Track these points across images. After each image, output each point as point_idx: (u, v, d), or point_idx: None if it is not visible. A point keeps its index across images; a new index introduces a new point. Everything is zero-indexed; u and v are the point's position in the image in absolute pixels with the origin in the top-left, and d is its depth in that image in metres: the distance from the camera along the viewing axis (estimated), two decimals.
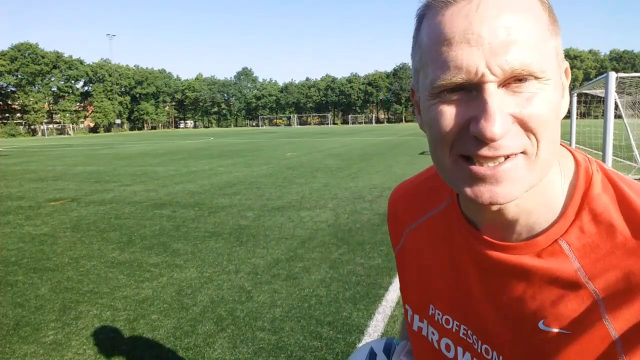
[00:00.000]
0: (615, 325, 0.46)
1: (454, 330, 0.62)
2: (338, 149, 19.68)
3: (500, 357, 0.55)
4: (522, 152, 0.46)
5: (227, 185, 9.63)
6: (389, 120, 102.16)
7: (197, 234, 5.58)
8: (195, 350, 2.85)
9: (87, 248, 5.16)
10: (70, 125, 77.55)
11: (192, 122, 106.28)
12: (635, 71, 71.99)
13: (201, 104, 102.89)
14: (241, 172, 11.89)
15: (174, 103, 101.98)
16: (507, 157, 0.46)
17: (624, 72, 12.01)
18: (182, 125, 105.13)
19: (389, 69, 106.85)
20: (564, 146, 0.56)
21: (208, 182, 10.20)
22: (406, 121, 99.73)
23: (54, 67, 76.24)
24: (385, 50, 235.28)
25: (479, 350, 0.59)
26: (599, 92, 11.37)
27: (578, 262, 0.49)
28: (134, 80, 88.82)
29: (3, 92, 73.09)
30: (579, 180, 0.52)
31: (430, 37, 0.47)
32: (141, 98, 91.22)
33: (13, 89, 73.61)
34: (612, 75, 6.10)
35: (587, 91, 12.81)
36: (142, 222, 6.32)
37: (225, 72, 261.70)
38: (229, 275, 4.12)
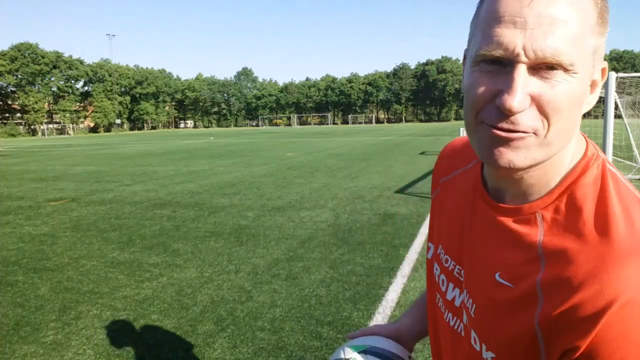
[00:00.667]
0: (544, 295, 0.53)
1: (449, 268, 0.73)
2: (338, 149, 19.69)
3: (470, 300, 0.65)
4: (533, 133, 0.52)
5: (227, 185, 9.63)
6: (389, 120, 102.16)
7: (197, 234, 5.59)
8: (195, 350, 2.85)
9: (87, 248, 5.16)
10: (70, 125, 77.52)
11: (192, 122, 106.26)
12: (635, 71, 71.99)
13: (201, 104, 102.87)
14: (241, 172, 11.89)
15: (174, 103, 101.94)
16: (520, 133, 0.52)
17: (624, 72, 12.02)
18: (182, 125, 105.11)
19: (389, 69, 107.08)
20: (583, 136, 0.62)
21: (208, 182, 10.20)
22: (406, 121, 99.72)
23: (54, 67, 76.19)
24: (385, 50, 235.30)
25: (463, 290, 0.68)
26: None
27: (543, 235, 0.56)
28: (134, 80, 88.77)
29: (3, 92, 73.06)
30: (577, 168, 0.58)
31: (486, 12, 0.53)
32: (141, 98, 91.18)
33: (13, 89, 73.56)
34: (612, 76, 6.11)
35: None
36: (142, 222, 6.32)
37: (225, 72, 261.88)
38: (229, 275, 4.13)
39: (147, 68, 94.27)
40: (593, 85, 0.55)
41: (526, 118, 0.51)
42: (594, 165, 0.58)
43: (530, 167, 0.55)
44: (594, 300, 0.48)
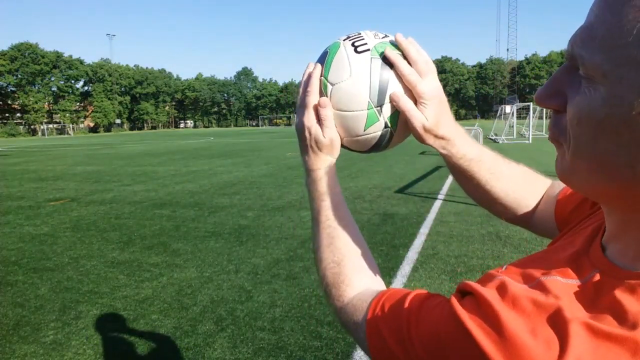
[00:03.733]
0: None
1: None
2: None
3: None
4: (559, 143, 0.45)
5: (227, 185, 9.63)
6: None
7: (197, 234, 5.59)
8: (195, 350, 2.85)
9: (87, 248, 5.16)
10: (70, 125, 77.53)
11: (192, 122, 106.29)
12: None
13: (201, 103, 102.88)
14: (241, 172, 11.89)
15: (174, 103, 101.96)
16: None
17: None
18: (182, 125, 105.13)
19: None
20: None
21: (208, 182, 10.20)
22: None
23: (54, 67, 76.23)
24: None
25: None
26: None
27: (579, 291, 0.44)
28: (134, 80, 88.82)
29: (3, 92, 73.08)
30: None
31: None
32: (141, 98, 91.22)
33: (13, 89, 73.60)
34: None
35: None
36: (142, 222, 6.32)
37: (225, 72, 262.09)
38: (229, 275, 4.13)
39: (147, 68, 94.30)
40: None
41: (554, 122, 0.45)
42: None
43: (597, 197, 0.45)
44: None
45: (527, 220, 0.84)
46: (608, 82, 0.38)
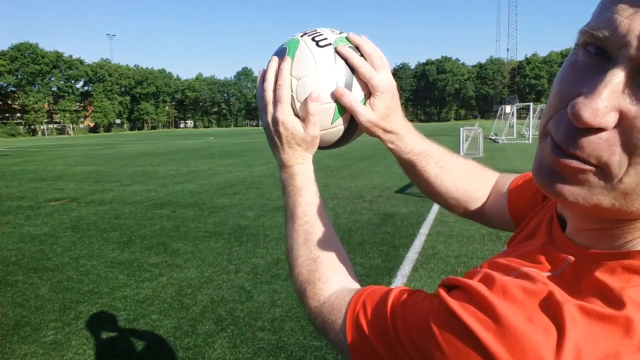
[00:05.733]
0: None
1: None
2: (338, 149, 19.65)
3: None
4: (599, 167, 0.38)
5: (227, 185, 9.63)
6: None
7: (197, 234, 5.58)
8: (195, 350, 2.85)
9: (87, 248, 5.16)
10: (70, 125, 77.54)
11: (192, 122, 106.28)
12: None
13: (201, 104, 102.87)
14: (241, 172, 11.89)
15: (174, 103, 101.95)
16: (579, 162, 0.39)
17: None
18: (182, 125, 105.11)
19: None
20: None
21: (208, 182, 10.20)
22: None
23: (54, 67, 76.22)
24: (385, 50, 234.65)
25: None
26: None
27: (553, 276, 0.45)
28: (134, 80, 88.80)
29: (3, 92, 73.07)
30: None
31: None
32: (141, 98, 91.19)
33: (13, 89, 73.60)
34: None
35: None
36: (142, 222, 6.32)
37: (225, 72, 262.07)
38: (229, 275, 4.12)
39: (147, 68, 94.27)
40: None
41: (597, 144, 0.37)
42: None
43: (589, 209, 0.41)
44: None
45: (479, 214, 0.85)
46: None
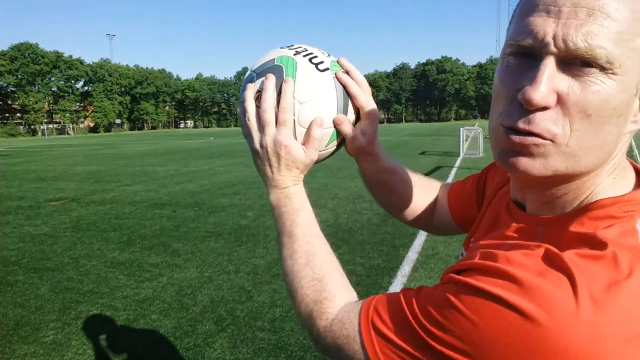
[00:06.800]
0: None
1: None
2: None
3: None
4: (551, 140, 0.47)
5: (227, 185, 9.63)
6: (388, 120, 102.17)
7: (197, 234, 5.59)
8: (195, 350, 2.85)
9: (87, 248, 5.16)
10: (70, 125, 77.55)
11: (192, 122, 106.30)
12: None
13: (201, 104, 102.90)
14: (241, 172, 11.89)
15: (174, 103, 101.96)
16: (537, 136, 0.47)
17: None
18: (182, 125, 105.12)
19: (389, 69, 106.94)
20: (632, 164, 0.56)
21: (208, 182, 10.20)
22: (406, 121, 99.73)
23: (54, 67, 76.22)
24: (385, 50, 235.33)
25: None
26: None
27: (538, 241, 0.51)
28: (134, 80, 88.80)
29: (3, 92, 73.08)
30: (607, 208, 0.50)
31: (522, 5, 0.50)
32: (141, 98, 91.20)
33: (13, 89, 73.59)
34: None
35: None
36: (142, 222, 6.32)
37: (225, 72, 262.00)
38: (229, 275, 4.13)
39: (147, 68, 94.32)
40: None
41: (545, 120, 0.46)
42: (624, 207, 0.49)
43: (550, 178, 0.49)
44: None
45: (429, 223, 0.95)
46: (623, 73, 0.44)
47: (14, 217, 7.01)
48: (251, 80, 0.72)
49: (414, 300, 0.50)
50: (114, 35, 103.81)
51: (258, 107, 0.69)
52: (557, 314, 0.40)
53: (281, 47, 0.76)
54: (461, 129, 15.30)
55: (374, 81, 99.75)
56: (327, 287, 0.63)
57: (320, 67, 0.71)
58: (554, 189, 0.53)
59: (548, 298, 0.41)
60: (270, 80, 0.68)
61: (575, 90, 0.45)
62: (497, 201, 0.70)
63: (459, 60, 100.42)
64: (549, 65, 0.45)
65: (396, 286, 3.74)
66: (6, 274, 4.40)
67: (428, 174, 10.58)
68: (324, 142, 0.72)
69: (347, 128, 0.73)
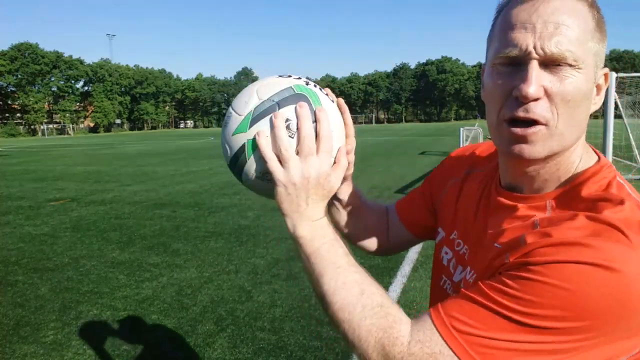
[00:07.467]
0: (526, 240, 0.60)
1: (460, 252, 0.80)
2: None
3: (472, 272, 0.71)
4: (545, 124, 0.59)
5: (227, 185, 9.63)
6: (389, 120, 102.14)
7: (197, 234, 5.59)
8: (195, 350, 2.85)
9: (87, 248, 5.16)
10: (70, 125, 77.50)
11: (192, 122, 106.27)
12: (635, 71, 71.80)
13: (201, 104, 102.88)
14: None
15: (174, 103, 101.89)
16: (535, 122, 0.59)
17: (624, 72, 12.02)
18: (182, 125, 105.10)
19: (389, 69, 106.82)
20: (595, 151, 0.70)
21: (208, 182, 10.20)
22: (406, 121, 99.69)
23: (54, 67, 76.14)
24: (385, 50, 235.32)
25: (465, 267, 0.75)
26: None
27: (547, 215, 0.63)
28: (134, 80, 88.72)
29: (3, 92, 73.01)
30: (589, 170, 0.65)
31: (501, 24, 0.63)
32: (141, 98, 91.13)
33: (13, 89, 73.54)
34: (612, 76, 6.11)
35: None
36: (142, 222, 6.32)
37: (225, 72, 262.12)
38: (229, 275, 4.13)
39: (147, 68, 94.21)
40: (598, 88, 0.64)
41: (539, 108, 0.59)
42: (605, 171, 0.65)
43: (548, 157, 0.62)
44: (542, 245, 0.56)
45: (386, 242, 1.07)
46: (585, 67, 0.59)
47: (14, 217, 7.01)
48: (272, 109, 0.67)
49: (489, 294, 0.55)
50: (114, 35, 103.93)
51: (291, 137, 0.66)
52: (631, 260, 0.50)
53: (280, 76, 0.75)
54: (461, 129, 15.29)
55: (374, 81, 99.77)
56: (390, 311, 0.61)
57: (330, 98, 0.75)
58: (549, 166, 0.64)
59: (615, 251, 0.51)
60: (305, 109, 0.66)
61: (556, 83, 0.58)
62: (469, 196, 0.82)
63: (459, 60, 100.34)
64: (534, 67, 0.58)
65: (396, 286, 3.74)
66: (6, 274, 4.40)
67: (428, 174, 10.56)
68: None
69: (351, 157, 0.79)
